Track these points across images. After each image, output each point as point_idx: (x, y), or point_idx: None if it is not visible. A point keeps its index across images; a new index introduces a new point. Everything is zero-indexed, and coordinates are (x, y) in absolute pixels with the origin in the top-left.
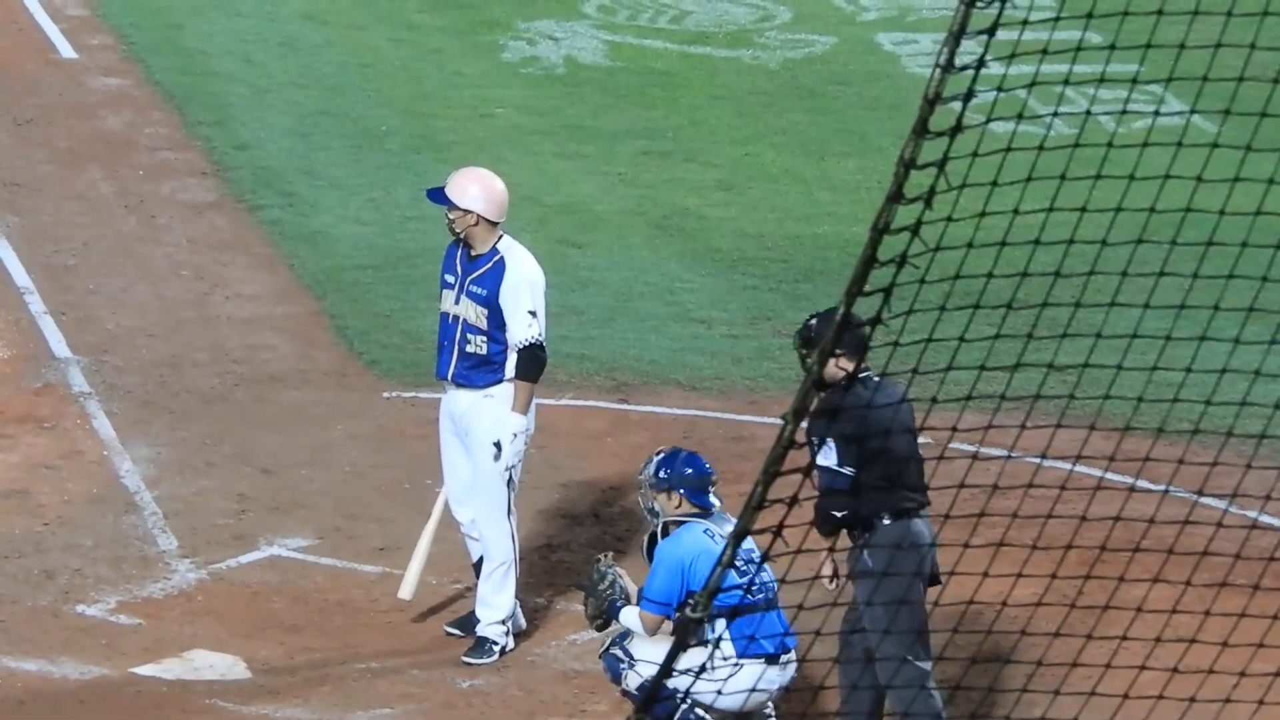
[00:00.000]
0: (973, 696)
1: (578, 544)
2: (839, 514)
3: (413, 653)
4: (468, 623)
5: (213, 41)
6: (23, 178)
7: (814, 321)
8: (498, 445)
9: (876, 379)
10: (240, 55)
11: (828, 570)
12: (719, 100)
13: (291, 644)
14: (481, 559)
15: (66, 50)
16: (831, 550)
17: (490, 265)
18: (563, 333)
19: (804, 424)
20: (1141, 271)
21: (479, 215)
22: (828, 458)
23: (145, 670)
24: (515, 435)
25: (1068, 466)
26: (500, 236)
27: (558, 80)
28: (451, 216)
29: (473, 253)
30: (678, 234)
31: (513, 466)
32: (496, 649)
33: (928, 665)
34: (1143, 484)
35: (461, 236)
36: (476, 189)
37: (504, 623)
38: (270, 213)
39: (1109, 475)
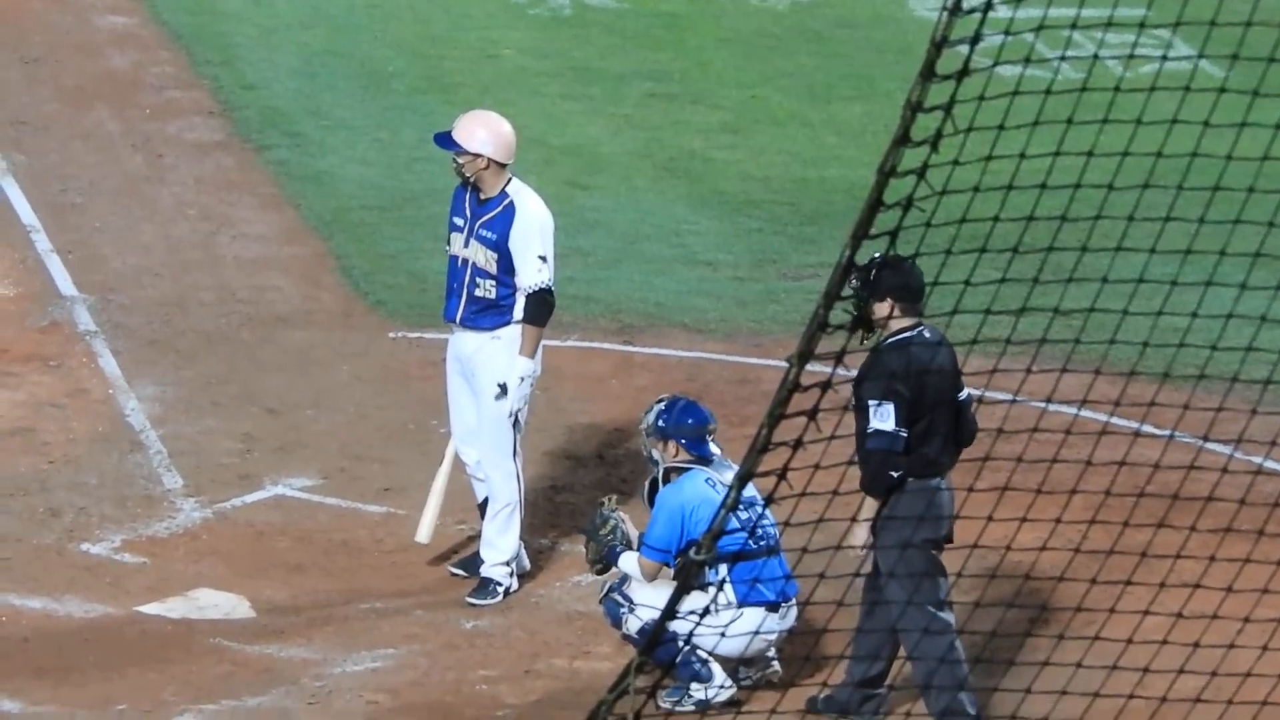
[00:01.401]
0: (976, 640)
1: (582, 486)
2: (895, 474)
3: (417, 593)
4: (472, 564)
5: None
6: (29, 116)
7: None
8: (503, 387)
9: (928, 334)
10: None
11: (861, 537)
12: (726, 43)
13: (296, 584)
14: (487, 500)
15: None
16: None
17: (500, 209)
18: (568, 274)
19: (847, 386)
20: (1148, 216)
21: (489, 158)
22: (885, 420)
23: (150, 609)
24: (522, 379)
25: (1073, 411)
26: (509, 179)
27: (564, 22)
28: (460, 161)
29: (482, 196)
30: (684, 176)
31: (519, 409)
32: (500, 590)
33: (936, 609)
34: (1148, 429)
35: (471, 180)
36: (484, 132)
37: (508, 564)
38: (277, 153)
39: (1114, 420)
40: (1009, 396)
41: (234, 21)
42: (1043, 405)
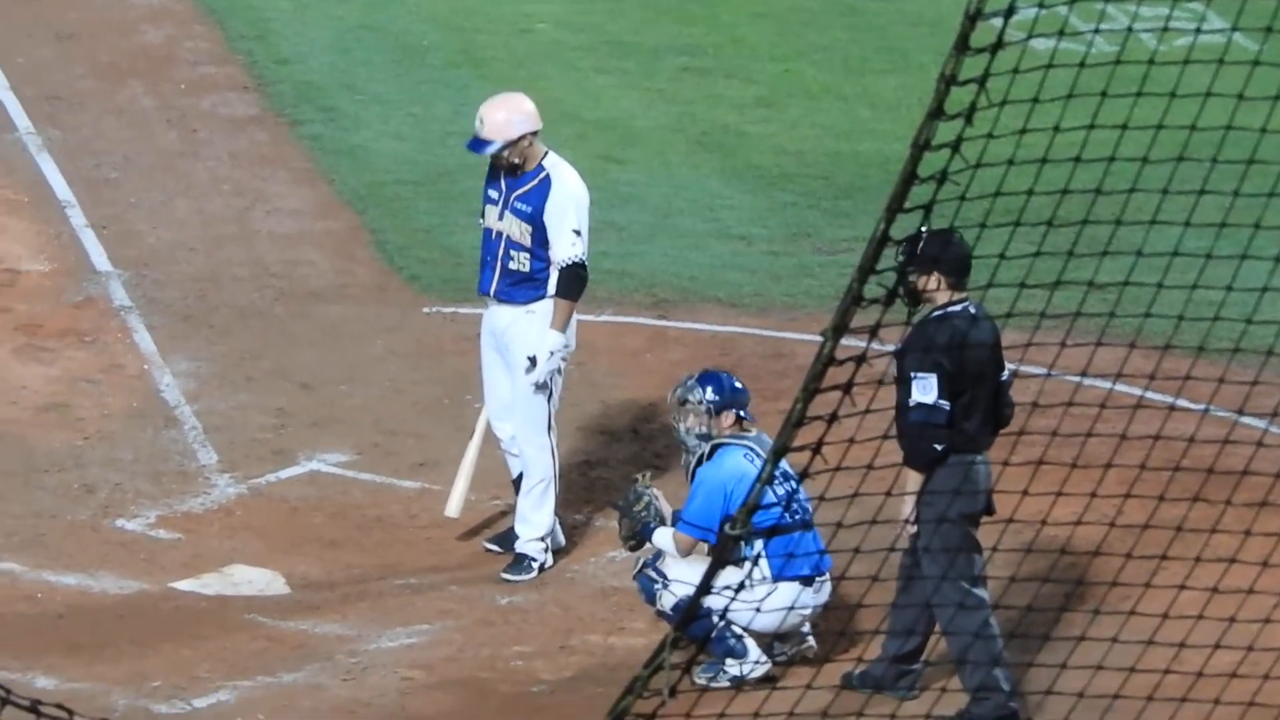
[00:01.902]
0: (1011, 615)
1: (616, 461)
2: (939, 447)
3: (451, 569)
4: (507, 539)
5: None
6: (64, 92)
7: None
8: (532, 359)
9: (973, 310)
10: None
11: (906, 511)
12: (759, 17)
13: (330, 560)
14: (521, 475)
15: None
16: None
17: (536, 182)
18: (602, 249)
19: (891, 358)
20: (1182, 190)
21: (530, 134)
22: (927, 393)
23: (184, 585)
24: (552, 353)
25: (1107, 385)
26: (545, 153)
27: None
28: (507, 153)
29: (519, 169)
30: (717, 150)
31: (551, 383)
32: (535, 566)
33: (970, 585)
34: (1183, 403)
35: (519, 163)
36: (513, 115)
37: (543, 540)
38: (311, 128)
39: (1149, 394)
40: (1044, 370)
41: None
42: (1077, 379)
